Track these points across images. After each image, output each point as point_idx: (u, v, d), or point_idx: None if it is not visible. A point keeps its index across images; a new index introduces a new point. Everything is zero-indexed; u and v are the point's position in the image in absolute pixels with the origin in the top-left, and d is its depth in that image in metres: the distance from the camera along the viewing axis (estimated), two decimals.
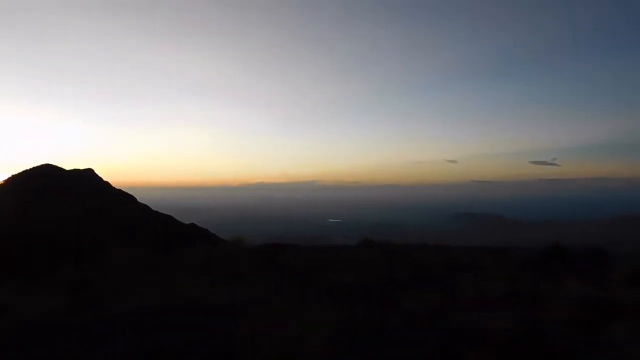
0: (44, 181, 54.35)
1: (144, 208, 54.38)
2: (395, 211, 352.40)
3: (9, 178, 56.65)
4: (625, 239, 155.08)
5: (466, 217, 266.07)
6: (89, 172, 56.37)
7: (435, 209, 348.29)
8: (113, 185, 57.10)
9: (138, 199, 54.71)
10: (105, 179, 56.96)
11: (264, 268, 12.27)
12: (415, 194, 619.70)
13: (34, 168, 57.27)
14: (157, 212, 53.96)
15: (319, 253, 15.90)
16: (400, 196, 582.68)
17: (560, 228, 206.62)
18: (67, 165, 56.34)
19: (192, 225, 53.36)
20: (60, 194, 51.84)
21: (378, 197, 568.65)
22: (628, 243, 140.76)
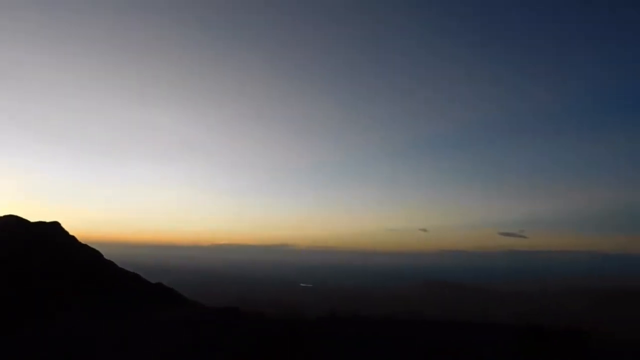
0: (6, 234, 52.61)
1: (109, 264, 52.89)
2: (367, 277, 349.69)
3: None
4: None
5: (437, 284, 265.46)
6: (55, 225, 55.00)
7: (406, 276, 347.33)
8: (79, 240, 55.71)
9: (104, 255, 53.32)
10: (71, 233, 55.66)
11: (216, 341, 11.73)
12: (388, 261, 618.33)
13: None
14: (122, 269, 52.42)
15: (283, 325, 15.26)
16: (373, 262, 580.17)
17: (527, 299, 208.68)
18: (33, 217, 55.05)
19: (159, 284, 51.89)
20: (22, 247, 50.13)
21: (351, 263, 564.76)
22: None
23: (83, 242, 55.51)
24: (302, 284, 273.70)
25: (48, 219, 56.37)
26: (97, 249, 54.58)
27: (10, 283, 42.25)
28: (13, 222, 54.69)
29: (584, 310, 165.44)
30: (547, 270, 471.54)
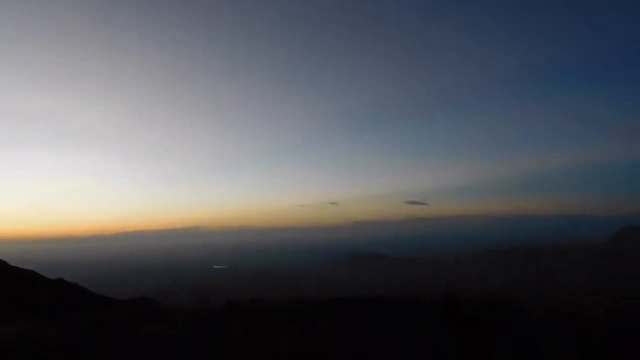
0: None
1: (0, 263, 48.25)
2: (281, 254, 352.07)
3: None
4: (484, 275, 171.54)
5: (349, 256, 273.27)
6: None
7: (319, 250, 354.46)
8: None
9: None
10: None
11: None
12: (300, 236, 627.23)
13: None
14: (16, 267, 48.16)
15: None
16: (287, 239, 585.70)
17: (431, 264, 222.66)
18: None
19: (60, 280, 48.34)
20: None
21: (264, 241, 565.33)
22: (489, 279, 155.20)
23: None
24: (215, 266, 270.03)
25: None
26: None
27: None
28: None
29: (487, 272, 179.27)
30: (449, 234, 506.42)
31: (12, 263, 50.68)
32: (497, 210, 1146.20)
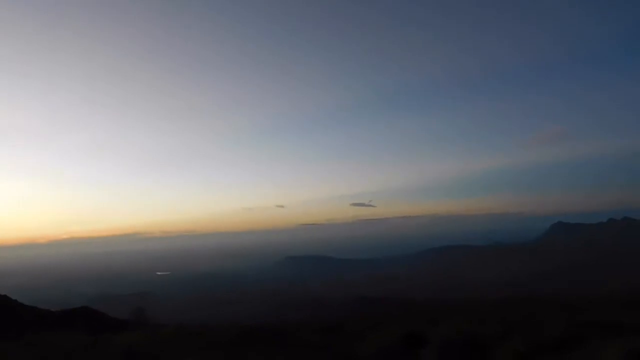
0: None
1: None
2: (226, 259, 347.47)
3: None
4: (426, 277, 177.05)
5: (295, 260, 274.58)
6: None
7: (265, 254, 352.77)
8: None
9: None
10: None
11: None
12: (246, 240, 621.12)
13: None
14: None
15: None
16: (232, 243, 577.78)
17: (375, 268, 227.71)
18: None
19: None
20: None
21: (209, 246, 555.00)
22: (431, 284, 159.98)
23: None
24: (158, 273, 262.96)
25: None
26: None
27: None
28: None
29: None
30: (393, 235, 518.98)
31: None
32: (440, 210, 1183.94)
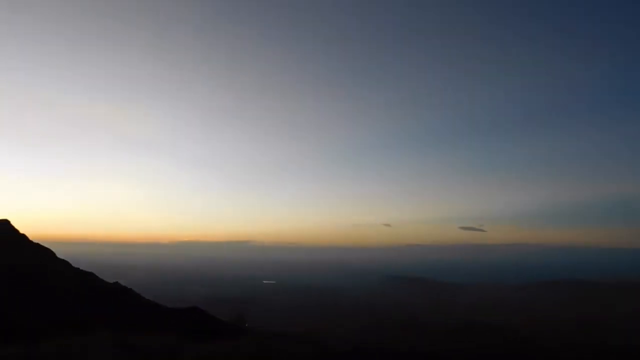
0: None
1: (62, 264, 50.91)
2: (330, 273, 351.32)
3: None
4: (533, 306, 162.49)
5: (398, 280, 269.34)
6: (4, 223, 52.51)
7: (369, 271, 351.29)
8: (30, 239, 53.40)
9: (57, 254, 51.35)
10: (22, 231, 53.28)
11: None
12: (351, 256, 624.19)
13: None
14: (77, 269, 50.62)
15: None
16: (337, 258, 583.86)
17: (484, 291, 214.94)
18: None
19: (116, 284, 50.38)
20: None
21: (315, 259, 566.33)
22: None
23: (34, 240, 53.31)
24: (265, 281, 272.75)
25: None
26: (49, 247, 52.61)
27: None
28: None
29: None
30: (503, 263, 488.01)
31: (75, 264, 53.30)
32: (557, 239, 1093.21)
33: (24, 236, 53.42)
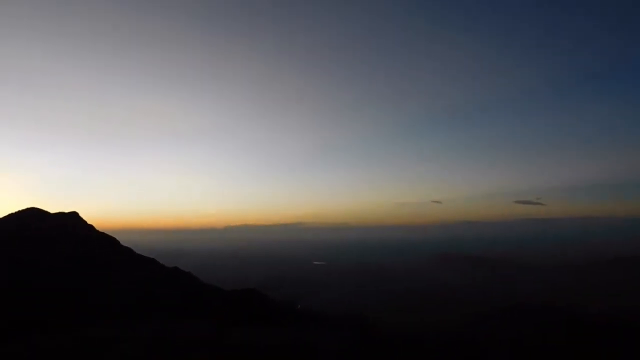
0: (27, 225, 54.68)
1: (126, 251, 54.78)
2: (381, 251, 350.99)
3: None
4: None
5: (451, 257, 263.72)
6: (74, 215, 56.99)
7: (420, 249, 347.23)
8: (97, 229, 57.71)
9: (121, 242, 55.25)
10: (90, 222, 57.69)
11: None
12: (401, 235, 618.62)
13: (19, 212, 57.80)
14: (140, 255, 54.35)
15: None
16: (387, 237, 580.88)
17: (547, 272, 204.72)
18: (53, 209, 57.08)
19: (175, 269, 53.73)
20: (42, 238, 52.11)
21: (364, 239, 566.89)
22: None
23: (100, 230, 57.48)
24: (315, 262, 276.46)
25: (67, 209, 58.29)
26: (114, 236, 56.52)
27: (40, 273, 44.15)
28: (34, 215, 56.88)
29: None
30: (565, 237, 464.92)
31: (137, 251, 57.21)
32: (623, 211, 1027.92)
33: (91, 226, 57.73)
